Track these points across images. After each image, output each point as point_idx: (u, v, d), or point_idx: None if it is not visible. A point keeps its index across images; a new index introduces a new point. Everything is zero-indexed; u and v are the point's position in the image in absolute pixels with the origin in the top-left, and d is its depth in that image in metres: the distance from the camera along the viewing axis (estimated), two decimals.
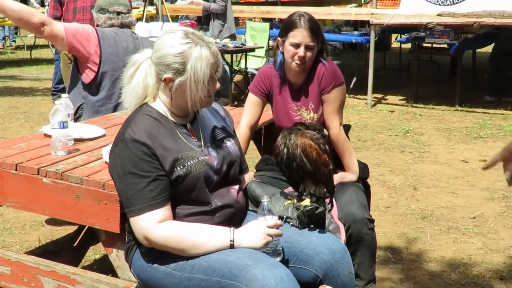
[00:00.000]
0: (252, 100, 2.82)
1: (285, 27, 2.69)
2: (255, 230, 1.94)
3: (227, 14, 7.66)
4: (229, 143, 2.16)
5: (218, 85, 2.05)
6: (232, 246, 1.92)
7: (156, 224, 1.90)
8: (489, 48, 8.30)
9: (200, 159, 2.01)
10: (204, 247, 1.92)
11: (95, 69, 3.28)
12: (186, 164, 1.97)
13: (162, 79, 2.00)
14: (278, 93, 2.78)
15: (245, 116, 2.80)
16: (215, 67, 2.00)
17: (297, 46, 2.63)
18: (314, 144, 2.14)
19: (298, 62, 2.64)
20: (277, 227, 1.96)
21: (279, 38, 2.72)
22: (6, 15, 3.18)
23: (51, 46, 11.05)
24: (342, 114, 2.77)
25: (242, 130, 2.76)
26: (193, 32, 2.02)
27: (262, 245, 1.92)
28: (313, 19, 2.68)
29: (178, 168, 1.95)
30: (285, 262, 2.01)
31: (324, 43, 2.74)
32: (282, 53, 2.72)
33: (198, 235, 1.93)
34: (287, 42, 2.66)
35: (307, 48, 2.62)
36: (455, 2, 7.06)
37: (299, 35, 2.62)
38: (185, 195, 1.98)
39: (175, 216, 1.97)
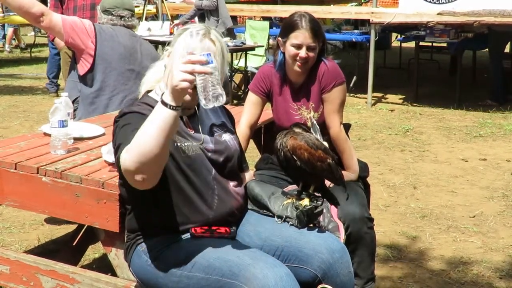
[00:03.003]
0: (252, 99, 2.82)
1: (286, 27, 2.69)
2: (172, 72, 1.73)
3: (220, 9, 7.70)
4: (228, 138, 2.16)
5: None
6: (164, 103, 1.71)
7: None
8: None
9: (194, 144, 2.03)
10: (152, 128, 1.71)
11: (90, 60, 3.32)
12: (183, 144, 1.99)
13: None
14: (279, 92, 2.78)
15: (245, 115, 2.80)
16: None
17: (298, 47, 2.63)
18: (304, 144, 2.14)
19: (300, 63, 2.65)
20: (200, 63, 1.71)
21: (279, 38, 2.72)
22: (6, 4, 3.20)
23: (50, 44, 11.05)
24: (343, 113, 2.77)
25: (242, 129, 2.75)
26: (211, 31, 2.03)
27: (180, 80, 1.68)
28: (314, 19, 2.68)
29: (178, 144, 1.97)
30: (284, 261, 2.00)
31: (325, 42, 2.74)
32: (283, 53, 2.72)
33: (144, 126, 1.75)
34: (288, 42, 2.66)
35: (308, 48, 2.63)
36: (450, 0, 7.06)
37: (301, 36, 2.62)
38: (182, 177, 1.98)
39: (173, 207, 1.98)
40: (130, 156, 1.73)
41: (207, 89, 1.72)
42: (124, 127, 1.90)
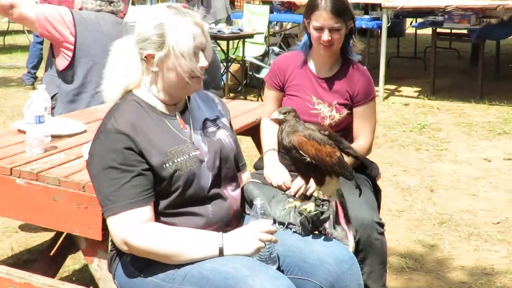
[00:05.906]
0: (268, 94, 2.87)
1: (307, 7, 2.70)
2: (246, 235, 1.94)
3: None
4: (223, 136, 2.15)
5: (205, 62, 2.01)
6: (221, 252, 1.91)
7: (137, 225, 1.89)
8: None
9: (191, 155, 2.01)
10: (190, 253, 1.90)
11: (70, 54, 3.29)
12: (175, 161, 1.96)
13: (143, 57, 1.99)
14: (296, 80, 2.78)
15: (266, 110, 2.85)
16: (199, 39, 1.97)
17: (320, 29, 2.63)
18: (310, 140, 2.14)
19: (324, 45, 2.65)
20: (271, 232, 1.95)
21: (304, 19, 2.73)
22: None
23: (26, 32, 11.04)
24: (374, 130, 2.81)
25: (266, 121, 2.82)
26: (175, 6, 2.01)
27: (254, 251, 1.92)
28: None
29: (167, 165, 1.94)
30: (286, 272, 2.01)
31: (354, 20, 2.72)
32: (308, 34, 2.73)
33: (184, 240, 1.92)
34: (311, 24, 2.67)
35: (331, 30, 2.62)
36: None
37: (321, 18, 2.61)
38: (175, 194, 1.97)
39: (164, 217, 1.97)
40: (146, 248, 1.89)
41: (272, 254, 2.01)
42: (110, 171, 1.90)
